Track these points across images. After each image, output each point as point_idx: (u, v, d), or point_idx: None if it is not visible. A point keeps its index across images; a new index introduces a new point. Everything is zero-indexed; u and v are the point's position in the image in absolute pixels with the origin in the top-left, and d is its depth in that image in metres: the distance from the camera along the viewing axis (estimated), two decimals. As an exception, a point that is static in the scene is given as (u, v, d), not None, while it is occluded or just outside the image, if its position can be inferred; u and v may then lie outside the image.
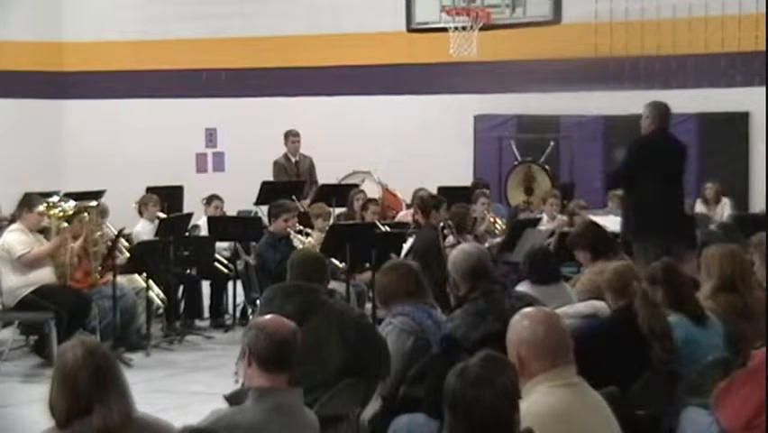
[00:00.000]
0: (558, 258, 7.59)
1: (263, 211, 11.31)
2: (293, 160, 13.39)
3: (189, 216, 11.23)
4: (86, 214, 9.37)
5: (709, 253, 6.04)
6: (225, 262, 10.86)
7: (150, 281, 9.75)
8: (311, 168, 13.56)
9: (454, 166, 15.33)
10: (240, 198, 12.96)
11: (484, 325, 4.95)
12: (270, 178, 13.10)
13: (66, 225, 9.12)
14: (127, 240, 10.12)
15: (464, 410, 3.29)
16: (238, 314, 10.86)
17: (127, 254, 9.58)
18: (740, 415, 4.54)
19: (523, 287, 6.66)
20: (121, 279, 9.39)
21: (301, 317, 4.71)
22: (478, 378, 3.32)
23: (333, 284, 9.25)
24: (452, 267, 5.48)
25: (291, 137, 13.44)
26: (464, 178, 14.64)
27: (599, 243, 7.15)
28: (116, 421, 3.43)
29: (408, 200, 12.47)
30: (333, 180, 13.68)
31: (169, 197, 12.06)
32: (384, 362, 5.25)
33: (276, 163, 13.34)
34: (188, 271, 10.71)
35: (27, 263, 8.85)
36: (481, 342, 4.50)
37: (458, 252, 5.55)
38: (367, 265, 9.63)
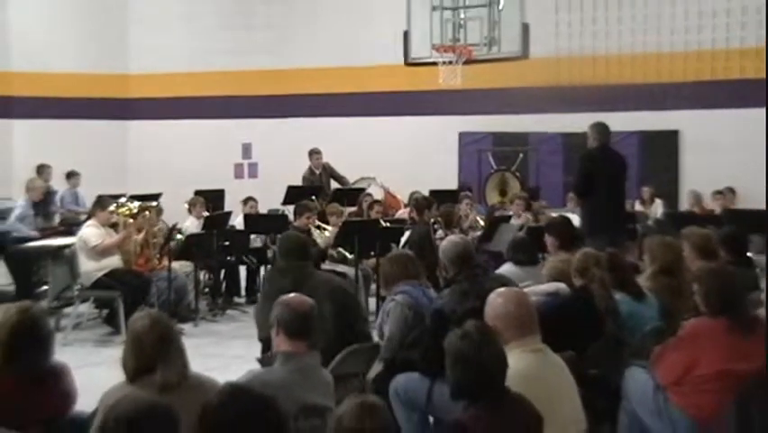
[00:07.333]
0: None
1: (289, 210, 11.29)
2: (317, 173, 13.29)
3: (229, 213, 11.20)
4: (147, 212, 9.36)
5: (653, 244, 6.02)
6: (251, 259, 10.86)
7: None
8: (331, 172, 13.48)
9: (443, 173, 15.30)
10: (270, 199, 12.93)
11: (468, 301, 4.93)
12: (294, 183, 13.04)
13: (131, 221, 9.12)
14: (179, 233, 10.12)
15: (470, 367, 3.26)
16: (269, 292, 10.83)
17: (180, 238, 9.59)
18: (672, 373, 4.54)
19: (507, 267, 6.64)
20: (174, 264, 9.40)
21: (296, 288, 4.68)
22: (480, 341, 3.32)
23: (344, 268, 9.33)
24: (442, 254, 5.44)
25: (314, 155, 13.30)
26: (451, 183, 14.65)
27: (566, 235, 7.05)
28: (174, 378, 3.45)
29: (406, 201, 12.45)
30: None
31: (212, 198, 12.07)
32: (359, 309, 5.71)
33: (304, 179, 13.18)
34: (228, 257, 10.71)
35: (99, 252, 8.84)
36: (465, 315, 4.49)
37: (447, 242, 5.52)
38: (372, 254, 9.63)
